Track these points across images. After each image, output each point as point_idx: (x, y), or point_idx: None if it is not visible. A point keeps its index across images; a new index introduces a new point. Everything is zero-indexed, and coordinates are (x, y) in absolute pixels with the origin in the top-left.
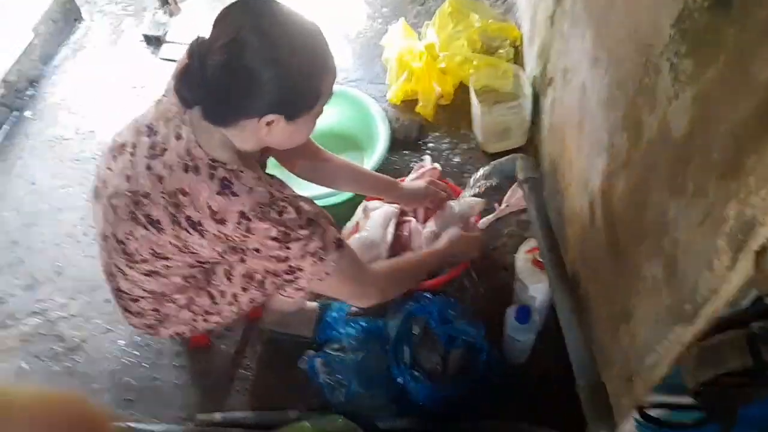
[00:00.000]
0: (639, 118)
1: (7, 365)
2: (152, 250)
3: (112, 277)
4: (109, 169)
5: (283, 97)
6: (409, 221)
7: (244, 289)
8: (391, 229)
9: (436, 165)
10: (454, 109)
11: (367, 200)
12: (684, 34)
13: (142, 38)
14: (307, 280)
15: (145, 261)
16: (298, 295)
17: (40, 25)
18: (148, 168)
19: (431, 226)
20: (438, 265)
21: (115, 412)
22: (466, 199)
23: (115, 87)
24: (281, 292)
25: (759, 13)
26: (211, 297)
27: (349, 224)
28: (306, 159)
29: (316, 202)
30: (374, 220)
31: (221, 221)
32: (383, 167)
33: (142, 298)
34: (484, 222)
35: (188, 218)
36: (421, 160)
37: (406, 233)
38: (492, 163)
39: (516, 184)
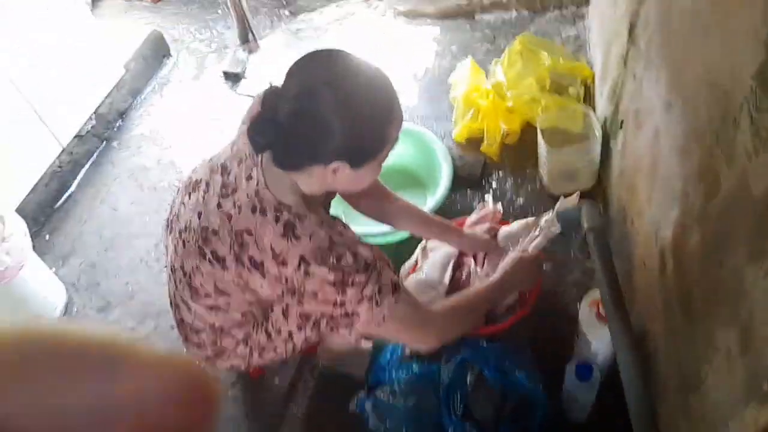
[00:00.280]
0: (716, 170)
1: None
2: (215, 286)
3: (177, 308)
4: (183, 204)
5: (350, 146)
6: (468, 263)
7: (300, 328)
8: (449, 271)
9: (499, 207)
10: (521, 149)
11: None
12: (766, 86)
13: (221, 74)
14: (364, 324)
15: (208, 296)
16: (353, 338)
17: (131, 61)
18: (219, 206)
19: (487, 269)
20: (499, 299)
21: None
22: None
23: (195, 120)
24: (336, 334)
25: None
26: (268, 334)
27: (408, 264)
28: (372, 199)
29: (377, 238)
30: (433, 260)
31: (282, 263)
32: (445, 205)
33: (203, 330)
34: (535, 246)
35: (251, 258)
36: (484, 200)
37: (464, 276)
38: (556, 209)
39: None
